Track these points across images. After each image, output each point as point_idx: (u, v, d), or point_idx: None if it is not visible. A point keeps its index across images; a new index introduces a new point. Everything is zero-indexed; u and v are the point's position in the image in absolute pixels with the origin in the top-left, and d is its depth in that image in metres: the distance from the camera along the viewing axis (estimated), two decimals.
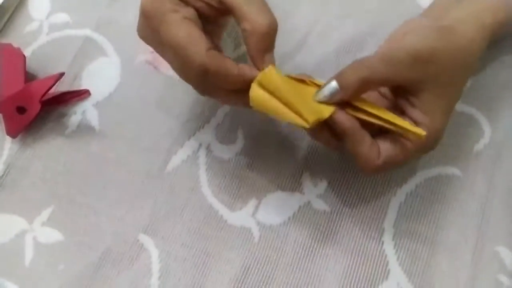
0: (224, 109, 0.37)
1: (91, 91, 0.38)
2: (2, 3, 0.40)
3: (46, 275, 0.32)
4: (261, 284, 0.32)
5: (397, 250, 0.32)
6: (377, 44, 0.38)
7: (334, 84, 0.28)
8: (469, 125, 0.36)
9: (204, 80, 0.28)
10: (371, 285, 0.32)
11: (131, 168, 0.35)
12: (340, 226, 0.33)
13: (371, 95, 0.31)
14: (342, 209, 0.34)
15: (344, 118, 0.28)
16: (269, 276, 0.32)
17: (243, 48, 0.39)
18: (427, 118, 0.29)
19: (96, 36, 0.40)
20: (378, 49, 0.32)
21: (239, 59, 0.38)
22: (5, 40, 0.40)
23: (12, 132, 0.36)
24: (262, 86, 0.28)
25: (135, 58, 0.39)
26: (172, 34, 0.28)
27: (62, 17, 0.41)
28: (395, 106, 0.30)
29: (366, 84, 0.28)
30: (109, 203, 0.34)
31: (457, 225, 0.33)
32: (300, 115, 0.27)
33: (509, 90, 0.36)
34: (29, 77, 0.38)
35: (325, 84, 0.28)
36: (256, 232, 0.33)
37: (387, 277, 0.32)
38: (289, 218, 0.33)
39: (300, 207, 0.34)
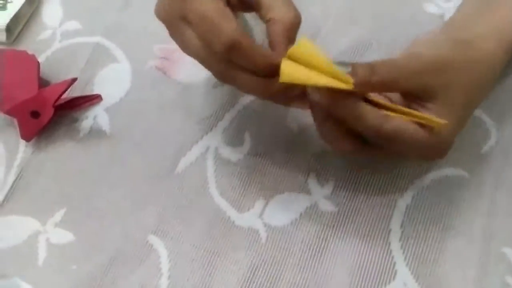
0: (231, 113, 0.38)
1: (103, 96, 0.39)
2: (18, 11, 0.41)
3: (59, 275, 0.33)
4: (268, 284, 0.32)
5: (404, 251, 0.33)
6: (383, 45, 0.39)
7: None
8: (476, 126, 0.36)
9: (228, 58, 0.28)
10: (378, 286, 0.32)
11: (141, 171, 0.36)
12: (347, 226, 0.33)
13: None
14: (349, 210, 0.34)
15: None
16: (276, 276, 0.32)
17: None
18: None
19: (106, 42, 0.41)
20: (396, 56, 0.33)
21: None
22: (20, 47, 0.41)
23: (26, 136, 0.37)
24: (294, 59, 0.27)
25: (145, 64, 0.40)
26: (203, 6, 0.28)
27: (74, 24, 0.42)
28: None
29: (381, 85, 0.28)
30: (120, 205, 0.35)
31: (464, 227, 0.33)
32: (339, 78, 0.26)
33: None
34: (42, 83, 0.39)
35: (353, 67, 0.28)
36: (263, 233, 0.34)
37: (394, 278, 0.32)
38: (296, 219, 0.34)
39: (307, 208, 0.34)
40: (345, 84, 0.26)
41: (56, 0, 0.44)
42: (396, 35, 0.39)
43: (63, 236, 0.34)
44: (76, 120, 0.38)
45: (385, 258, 0.32)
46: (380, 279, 0.32)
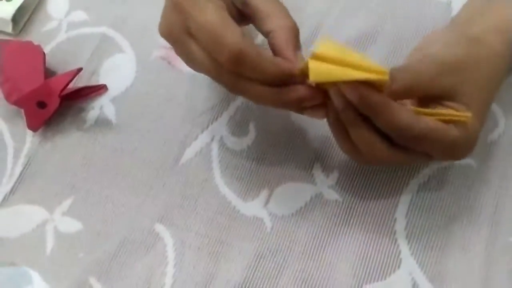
0: (236, 103, 0.38)
1: (108, 86, 0.39)
2: (23, 3, 0.42)
3: (66, 263, 0.33)
4: (273, 272, 0.32)
5: (409, 240, 0.33)
6: (388, 37, 0.39)
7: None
8: None
9: (236, 69, 0.27)
10: (383, 275, 0.32)
11: (147, 160, 0.36)
12: (352, 216, 0.34)
13: None
14: (354, 200, 0.34)
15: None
16: (281, 265, 0.32)
17: (255, 41, 0.39)
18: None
19: (112, 33, 0.41)
20: (407, 58, 0.33)
21: None
22: (26, 38, 0.41)
23: (33, 126, 0.37)
24: (320, 58, 0.25)
25: (150, 54, 0.40)
26: (207, 17, 0.27)
27: (79, 15, 0.42)
28: None
29: (402, 92, 0.28)
30: (126, 194, 0.35)
31: (470, 216, 0.33)
32: (372, 70, 0.25)
33: None
34: (48, 73, 0.39)
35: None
36: (268, 222, 0.34)
37: (399, 267, 0.32)
38: (301, 209, 0.34)
39: (312, 197, 0.34)
40: (381, 75, 0.25)
41: None
42: (403, 24, 0.39)
43: (71, 225, 0.35)
44: (82, 110, 0.38)
45: (390, 247, 0.32)
46: (385, 268, 0.32)
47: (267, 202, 0.34)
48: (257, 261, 0.33)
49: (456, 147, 0.29)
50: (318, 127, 0.36)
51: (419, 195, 0.34)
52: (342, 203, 0.34)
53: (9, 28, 0.41)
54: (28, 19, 0.42)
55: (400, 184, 0.34)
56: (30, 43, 0.40)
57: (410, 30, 0.39)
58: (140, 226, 0.34)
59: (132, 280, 0.33)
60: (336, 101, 0.28)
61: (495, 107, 0.36)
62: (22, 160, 0.37)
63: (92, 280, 0.33)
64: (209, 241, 0.33)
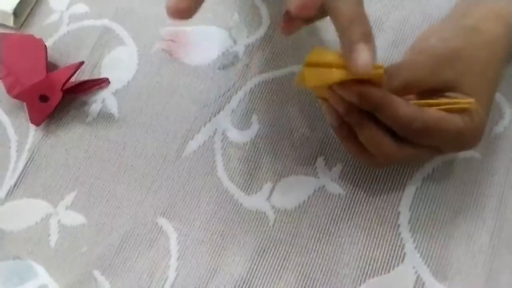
0: (238, 95, 0.37)
1: (110, 80, 0.39)
2: None
3: (70, 256, 0.34)
4: (276, 265, 0.32)
5: (413, 234, 0.32)
6: (392, 26, 0.38)
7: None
8: None
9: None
10: (386, 268, 0.32)
11: (149, 154, 0.36)
12: (355, 209, 0.33)
13: None
14: (357, 193, 0.34)
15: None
16: (284, 258, 0.32)
17: (258, 33, 0.39)
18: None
19: (114, 25, 0.41)
20: (403, 56, 0.32)
21: (252, 45, 0.39)
22: (27, 32, 0.41)
23: (36, 120, 0.37)
24: (314, 64, 0.26)
25: (152, 46, 0.40)
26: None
27: (81, 7, 0.42)
28: None
29: (402, 88, 0.28)
30: (129, 188, 0.35)
31: (475, 208, 0.33)
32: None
33: None
34: (50, 67, 0.39)
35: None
36: (271, 215, 0.34)
37: (402, 260, 0.32)
38: (304, 202, 0.34)
39: (315, 191, 0.34)
40: (376, 69, 0.25)
41: None
42: (408, 12, 0.38)
43: (74, 218, 0.35)
44: (84, 104, 0.38)
45: (394, 241, 0.32)
46: (388, 261, 0.32)
47: (270, 195, 0.34)
48: (260, 255, 0.33)
49: (463, 136, 0.29)
50: (321, 120, 0.36)
51: (423, 188, 0.33)
52: (345, 196, 0.34)
53: (10, 22, 0.41)
54: (30, 12, 0.42)
55: (404, 177, 0.34)
56: (31, 37, 0.39)
57: (416, 19, 0.38)
58: (143, 219, 0.34)
59: (135, 273, 0.33)
60: (338, 106, 0.27)
61: (500, 99, 0.35)
62: (25, 154, 0.37)
63: (96, 273, 0.33)
64: (212, 235, 0.33)
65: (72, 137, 0.37)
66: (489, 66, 0.30)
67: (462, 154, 0.34)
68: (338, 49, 0.26)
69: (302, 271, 0.32)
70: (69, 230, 0.34)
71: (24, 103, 0.37)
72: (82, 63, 0.37)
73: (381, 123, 0.28)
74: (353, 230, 0.33)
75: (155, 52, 0.40)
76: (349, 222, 0.33)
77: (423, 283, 0.31)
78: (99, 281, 0.33)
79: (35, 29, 0.41)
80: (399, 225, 0.33)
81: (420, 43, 0.32)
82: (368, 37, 0.25)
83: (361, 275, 0.32)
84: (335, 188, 0.34)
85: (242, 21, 0.40)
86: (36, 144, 0.37)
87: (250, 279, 0.32)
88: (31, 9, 0.42)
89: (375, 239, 0.32)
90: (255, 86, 0.37)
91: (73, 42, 0.41)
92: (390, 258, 0.32)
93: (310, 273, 0.32)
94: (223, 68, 0.38)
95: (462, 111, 0.28)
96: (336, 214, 0.33)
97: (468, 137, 0.29)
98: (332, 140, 0.35)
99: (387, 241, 0.32)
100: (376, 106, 0.26)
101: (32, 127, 0.38)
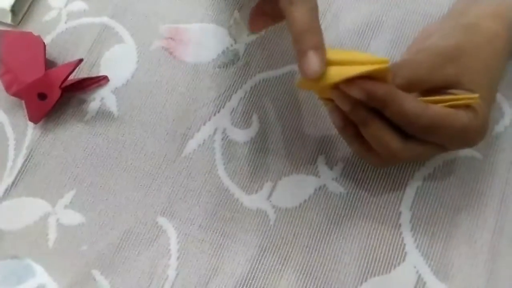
0: (239, 94, 0.37)
1: (109, 77, 0.39)
2: None
3: (69, 255, 0.33)
4: (277, 265, 0.32)
5: (414, 233, 0.32)
6: (392, 25, 0.38)
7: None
8: None
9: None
10: (387, 267, 0.32)
11: (149, 152, 0.36)
12: (356, 208, 0.33)
13: None
14: (358, 192, 0.34)
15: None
16: (285, 258, 0.32)
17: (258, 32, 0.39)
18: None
19: (113, 23, 0.41)
20: (402, 56, 0.33)
21: (252, 44, 0.39)
22: (25, 29, 0.41)
23: (34, 118, 0.37)
24: (330, 63, 0.27)
25: (151, 44, 0.40)
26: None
27: (79, 5, 0.42)
28: None
29: (406, 86, 0.28)
30: (128, 186, 0.35)
31: (476, 207, 0.33)
32: (373, 62, 0.26)
33: None
34: (49, 65, 0.38)
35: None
36: (271, 214, 0.33)
37: (404, 259, 0.32)
38: (304, 201, 0.34)
39: (315, 190, 0.34)
40: (383, 63, 0.26)
41: None
42: (408, 11, 0.38)
43: (73, 217, 0.34)
44: (83, 102, 0.38)
45: (395, 240, 0.32)
46: (389, 260, 0.32)
47: (270, 194, 0.34)
48: (261, 254, 0.32)
49: (468, 132, 0.29)
50: (322, 118, 0.35)
51: (424, 187, 0.33)
52: (346, 195, 0.34)
53: (8, 19, 0.41)
54: (28, 9, 0.42)
55: (405, 176, 0.34)
56: (30, 34, 0.39)
57: (416, 17, 0.38)
58: (143, 218, 0.34)
59: (135, 272, 0.33)
60: (343, 105, 0.27)
61: (501, 99, 0.35)
62: (23, 153, 0.37)
63: (95, 273, 0.33)
64: (212, 234, 0.33)
65: (70, 135, 0.37)
66: (491, 62, 0.30)
67: (463, 154, 0.34)
68: (342, 48, 0.26)
69: (303, 271, 0.32)
70: (68, 229, 0.34)
71: (23, 101, 0.37)
72: (81, 60, 0.37)
73: (387, 121, 0.27)
74: (354, 229, 0.33)
75: (155, 50, 0.39)
76: (350, 221, 0.33)
77: (424, 283, 0.31)
78: (98, 281, 0.33)
79: (33, 26, 0.41)
80: (400, 224, 0.33)
81: (420, 42, 0.32)
82: (318, 45, 0.26)
83: (362, 274, 0.31)
84: (336, 187, 0.34)
85: (243, 19, 0.39)
86: (35, 142, 0.37)
87: (251, 278, 0.32)
88: (29, 6, 0.42)
89: (376, 238, 0.32)
90: (255, 85, 0.37)
91: (71, 39, 0.40)
92: (391, 257, 0.32)
93: (311, 272, 0.32)
94: (223, 67, 0.38)
95: (466, 107, 0.28)
96: (337, 213, 0.33)
97: (472, 133, 0.29)
98: (333, 139, 0.35)
99: (388, 240, 0.32)
100: (383, 102, 0.26)
101: (31, 125, 0.37)
